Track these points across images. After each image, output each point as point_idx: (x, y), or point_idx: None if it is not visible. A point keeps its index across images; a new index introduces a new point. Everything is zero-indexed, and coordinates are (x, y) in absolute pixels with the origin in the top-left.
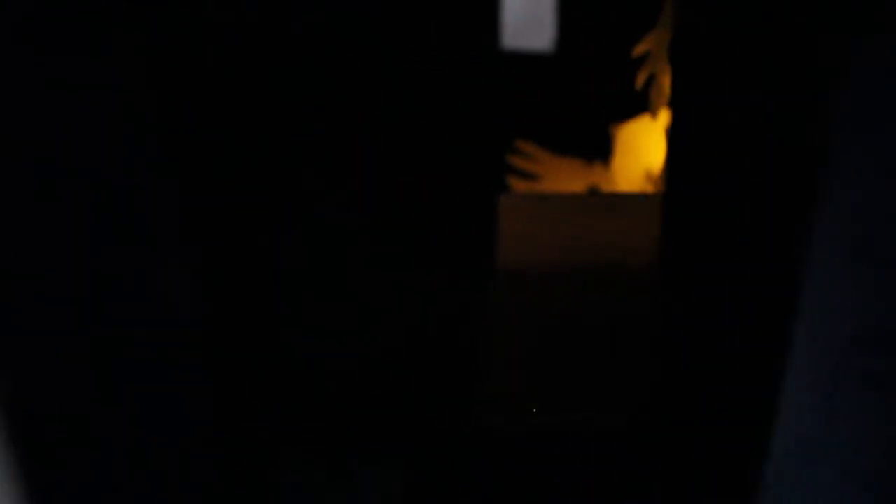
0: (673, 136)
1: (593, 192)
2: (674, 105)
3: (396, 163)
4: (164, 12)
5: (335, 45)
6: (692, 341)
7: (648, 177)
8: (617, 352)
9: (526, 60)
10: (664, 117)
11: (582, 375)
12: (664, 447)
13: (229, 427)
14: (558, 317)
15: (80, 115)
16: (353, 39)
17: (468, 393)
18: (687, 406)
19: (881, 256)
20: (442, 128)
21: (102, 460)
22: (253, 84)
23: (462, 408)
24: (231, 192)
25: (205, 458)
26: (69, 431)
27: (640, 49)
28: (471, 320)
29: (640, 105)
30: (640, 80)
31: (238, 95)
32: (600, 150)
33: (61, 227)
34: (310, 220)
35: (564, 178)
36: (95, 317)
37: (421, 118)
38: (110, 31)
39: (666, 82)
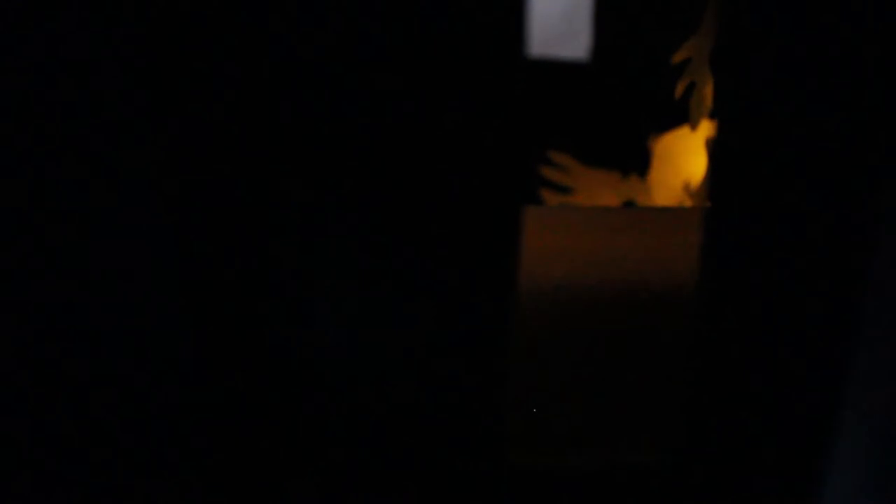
0: (717, 147)
1: (628, 205)
2: (719, 115)
3: (416, 173)
4: None
5: (356, 54)
6: (733, 370)
7: (687, 190)
8: (653, 381)
9: (561, 69)
10: (704, 128)
11: (616, 407)
12: (703, 490)
13: (225, 454)
14: (590, 340)
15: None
16: (372, 49)
17: (491, 426)
18: (727, 443)
19: None
20: (463, 136)
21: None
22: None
23: (484, 442)
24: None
25: (200, 492)
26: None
27: (679, 56)
28: (494, 344)
29: (679, 115)
30: (680, 89)
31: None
32: (637, 163)
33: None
34: (320, 231)
35: (599, 191)
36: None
37: (442, 126)
38: None
39: (707, 91)
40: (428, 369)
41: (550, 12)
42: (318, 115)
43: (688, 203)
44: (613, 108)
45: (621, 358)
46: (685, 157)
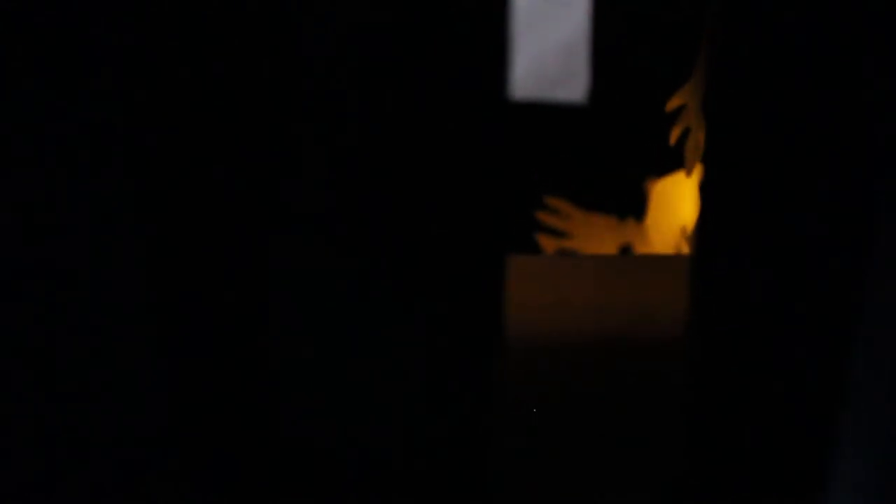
0: (704, 193)
1: (625, 250)
2: (706, 161)
3: (401, 219)
4: None
5: (346, 92)
6: (727, 419)
7: (684, 235)
8: (651, 434)
9: (557, 112)
10: (699, 173)
11: (610, 459)
12: None
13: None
14: (584, 393)
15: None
16: (362, 91)
17: (480, 484)
18: (724, 494)
19: None
20: (445, 182)
21: None
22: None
23: (471, 496)
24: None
25: None
26: None
27: (673, 103)
28: (480, 399)
29: (675, 160)
30: (675, 135)
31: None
32: (634, 207)
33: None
34: (298, 277)
35: (596, 235)
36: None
37: (423, 171)
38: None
39: (701, 137)
40: (412, 421)
41: (547, 55)
42: (304, 160)
43: (685, 248)
44: (610, 151)
45: (617, 410)
46: (681, 202)
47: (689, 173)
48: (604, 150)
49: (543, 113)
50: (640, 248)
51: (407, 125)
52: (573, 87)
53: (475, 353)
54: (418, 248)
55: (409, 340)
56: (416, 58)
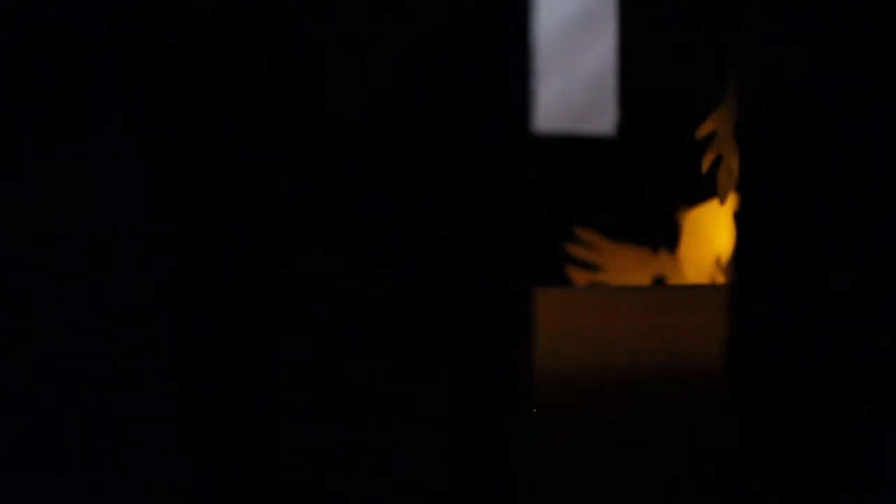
0: (741, 221)
1: (658, 281)
2: (741, 188)
3: (429, 254)
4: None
5: (373, 128)
6: (767, 455)
7: (719, 265)
8: (686, 472)
9: (587, 145)
10: (734, 201)
11: (644, 491)
12: None
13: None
14: (616, 429)
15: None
16: (388, 122)
17: None
18: None
19: None
20: (471, 214)
21: None
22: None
23: None
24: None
25: None
26: None
27: (704, 130)
28: (509, 438)
29: (707, 189)
30: (707, 162)
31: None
32: (667, 238)
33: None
34: (326, 320)
35: (628, 267)
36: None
37: (449, 205)
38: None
39: (735, 164)
40: (433, 474)
41: (575, 88)
42: (330, 200)
43: (720, 278)
44: (641, 182)
45: (650, 440)
46: (715, 231)
47: (722, 201)
48: (634, 182)
49: (572, 146)
50: (674, 280)
51: (430, 159)
52: (601, 119)
53: (504, 386)
54: (443, 278)
55: (439, 377)
56: (440, 93)
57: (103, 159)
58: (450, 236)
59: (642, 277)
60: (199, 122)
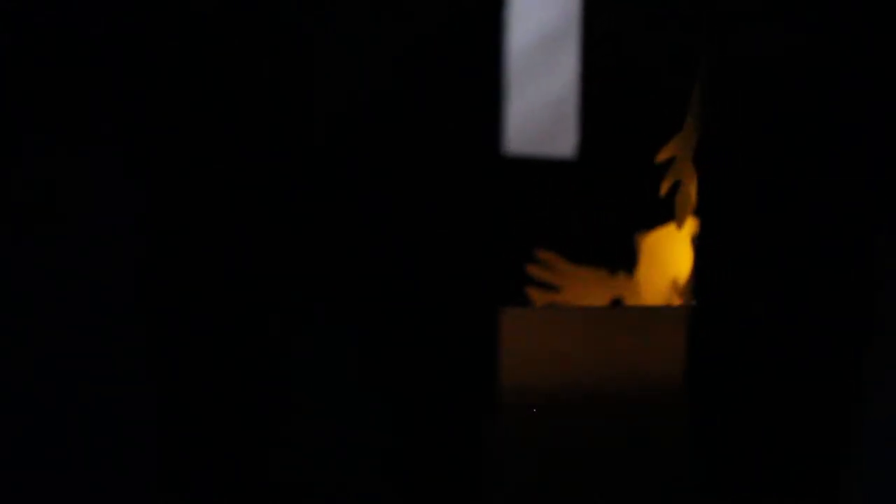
0: (701, 245)
1: (616, 302)
2: (701, 212)
3: (395, 271)
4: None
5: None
6: (724, 475)
7: (675, 288)
8: (644, 489)
9: (547, 167)
10: (690, 226)
11: None
12: None
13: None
14: (576, 448)
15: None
16: (357, 144)
17: None
18: None
19: None
20: (441, 238)
21: None
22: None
23: None
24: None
25: None
26: None
27: (663, 155)
28: (477, 456)
29: (665, 213)
30: (665, 187)
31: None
32: (625, 260)
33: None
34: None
35: (586, 289)
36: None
37: (420, 229)
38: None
39: (692, 189)
40: (404, 471)
41: (535, 110)
42: (284, 227)
43: (676, 301)
44: (600, 204)
45: (609, 464)
46: (672, 255)
47: (679, 226)
48: (594, 204)
49: (533, 168)
50: (631, 301)
51: (401, 181)
52: (562, 142)
53: (469, 410)
54: (411, 300)
55: (398, 396)
56: (410, 114)
57: (103, 159)
58: (420, 255)
59: (601, 298)
60: (197, 122)
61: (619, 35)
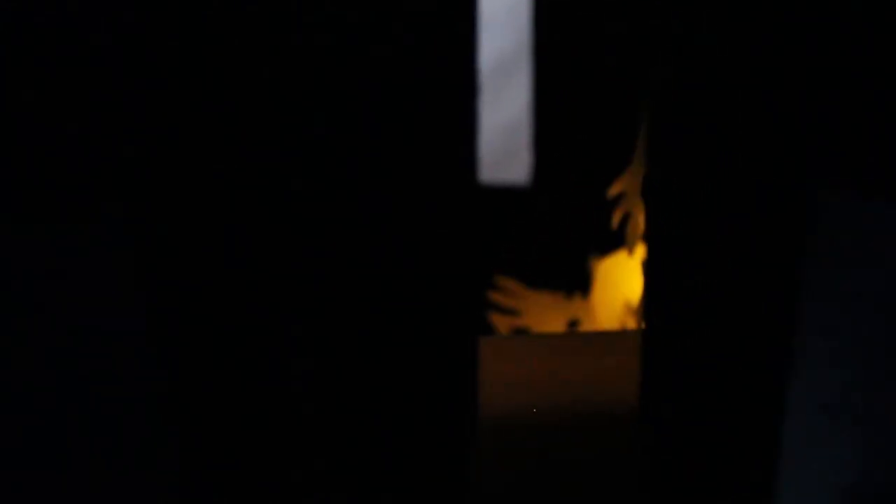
0: (648, 272)
1: (573, 324)
2: (648, 241)
3: (368, 305)
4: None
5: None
6: (676, 486)
7: (629, 309)
8: (605, 501)
9: (501, 193)
10: (640, 252)
11: None
12: None
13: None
14: (545, 466)
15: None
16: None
17: None
18: None
19: (855, 414)
20: (415, 266)
21: None
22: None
23: None
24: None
25: None
26: None
27: (614, 189)
28: (455, 475)
29: (618, 239)
30: (616, 218)
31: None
32: (580, 284)
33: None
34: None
35: (545, 312)
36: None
37: (394, 254)
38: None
39: (641, 220)
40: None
41: (489, 136)
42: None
43: (630, 322)
44: (556, 232)
45: (575, 483)
46: (625, 279)
47: (630, 252)
48: (549, 229)
49: (488, 194)
50: (587, 323)
51: (380, 207)
52: (515, 167)
53: (449, 432)
54: (392, 327)
55: (387, 419)
56: (383, 145)
57: (102, 159)
58: (396, 283)
59: (558, 321)
60: (197, 122)
61: (572, 61)
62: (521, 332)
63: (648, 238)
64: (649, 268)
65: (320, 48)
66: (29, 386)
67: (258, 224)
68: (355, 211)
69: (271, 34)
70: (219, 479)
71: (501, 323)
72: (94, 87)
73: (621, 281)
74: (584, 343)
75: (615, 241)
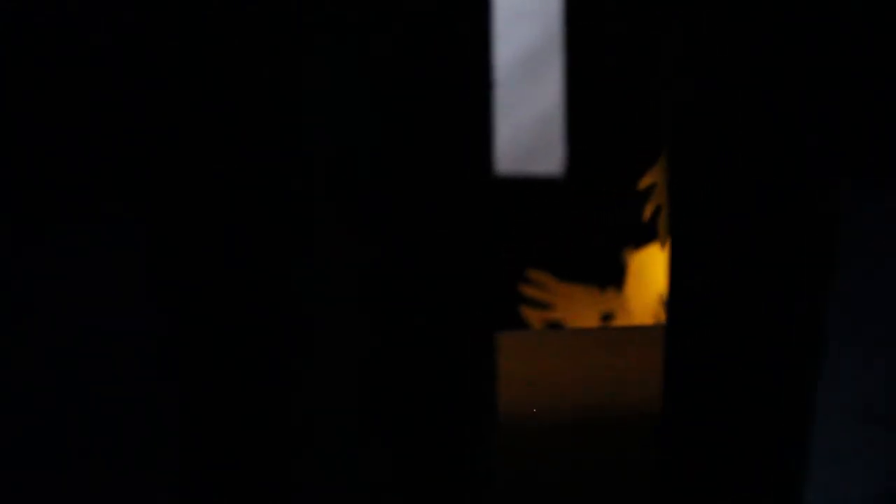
0: (673, 268)
1: (606, 318)
2: (672, 236)
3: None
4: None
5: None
6: (696, 493)
7: (662, 303)
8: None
9: (535, 185)
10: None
11: None
12: None
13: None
14: (569, 468)
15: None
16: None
17: None
18: None
19: (889, 418)
20: (435, 261)
21: None
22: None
23: None
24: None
25: None
26: None
27: (645, 182)
28: (475, 478)
29: (652, 231)
30: (648, 212)
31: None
32: (614, 277)
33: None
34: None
35: (578, 305)
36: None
37: (412, 249)
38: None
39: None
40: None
41: (521, 128)
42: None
43: (663, 316)
44: (590, 225)
45: (599, 483)
46: (658, 272)
47: (662, 246)
48: (583, 221)
49: (521, 186)
50: (621, 317)
51: (397, 200)
52: (549, 159)
53: (468, 432)
54: (409, 321)
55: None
56: (406, 136)
57: (102, 160)
58: (415, 278)
59: (592, 315)
60: (199, 122)
61: (603, 48)
62: (554, 326)
63: (672, 233)
64: (673, 264)
65: (320, 47)
66: (31, 386)
67: (266, 223)
68: (363, 208)
69: (279, 29)
70: (227, 481)
71: (534, 317)
72: (94, 86)
73: (655, 274)
74: (617, 338)
75: (650, 234)
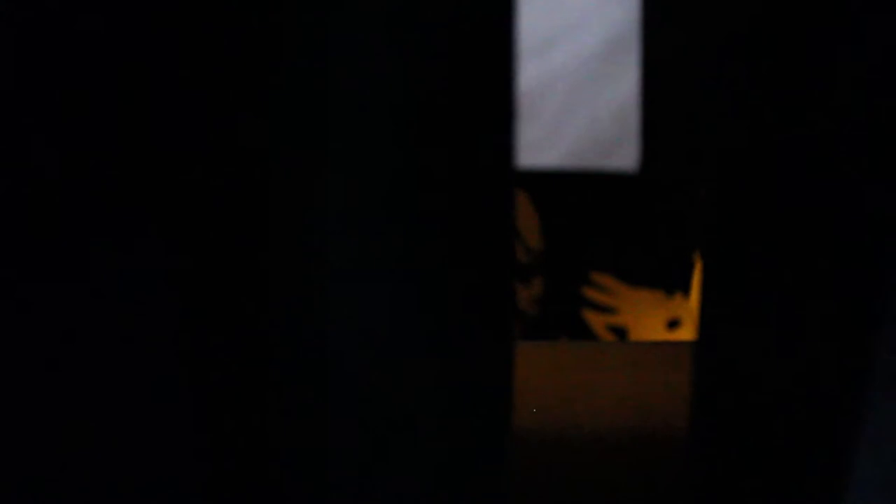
0: (705, 279)
1: (673, 324)
2: (704, 250)
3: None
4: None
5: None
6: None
7: None
8: None
9: (603, 181)
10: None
11: None
12: None
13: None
14: (608, 482)
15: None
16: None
17: None
18: None
19: None
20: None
21: None
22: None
23: None
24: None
25: None
26: None
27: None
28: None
29: None
30: None
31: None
32: (682, 281)
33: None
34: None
35: (643, 310)
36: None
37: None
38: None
39: None
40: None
41: (600, 122)
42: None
43: None
44: (658, 225)
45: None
46: None
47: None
48: (653, 222)
49: (593, 183)
50: (689, 324)
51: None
52: (624, 154)
53: (485, 443)
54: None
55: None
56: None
57: (104, 162)
58: (429, 281)
59: (657, 321)
60: (204, 125)
61: (683, 40)
62: (617, 332)
63: (706, 247)
64: (708, 273)
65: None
66: (39, 386)
67: (278, 223)
68: (380, 206)
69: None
70: (246, 482)
71: (597, 321)
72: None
73: None
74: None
75: None
